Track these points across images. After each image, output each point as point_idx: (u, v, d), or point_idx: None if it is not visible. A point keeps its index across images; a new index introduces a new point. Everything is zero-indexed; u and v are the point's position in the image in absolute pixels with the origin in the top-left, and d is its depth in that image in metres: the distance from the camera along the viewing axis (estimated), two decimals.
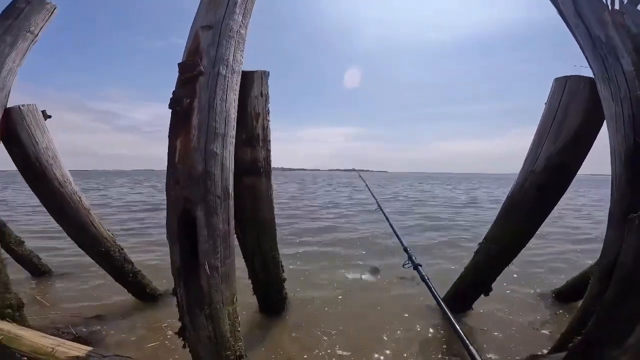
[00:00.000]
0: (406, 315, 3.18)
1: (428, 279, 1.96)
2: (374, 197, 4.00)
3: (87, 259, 3.27)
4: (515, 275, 4.15)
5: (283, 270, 2.93)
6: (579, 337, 1.54)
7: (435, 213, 10.98)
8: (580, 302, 2.22)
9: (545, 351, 2.43)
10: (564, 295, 3.48)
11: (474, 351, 1.34)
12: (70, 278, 4.10)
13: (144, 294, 3.40)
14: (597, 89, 1.95)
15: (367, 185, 4.28)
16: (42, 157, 2.69)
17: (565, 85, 2.20)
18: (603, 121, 2.02)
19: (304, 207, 12.49)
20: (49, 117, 2.79)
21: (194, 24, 1.80)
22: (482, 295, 3.03)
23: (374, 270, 4.48)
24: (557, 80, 2.27)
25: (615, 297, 1.35)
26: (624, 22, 1.48)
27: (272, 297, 3.06)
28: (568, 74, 2.23)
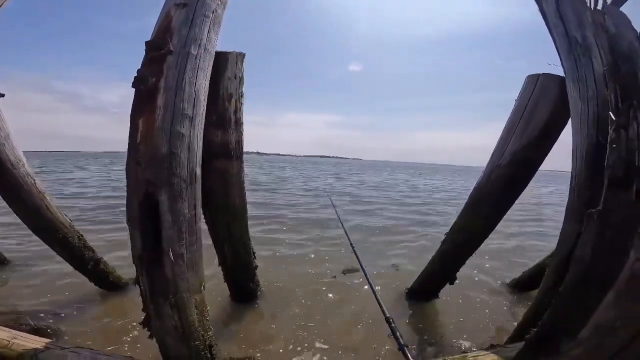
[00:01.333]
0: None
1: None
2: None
3: (44, 247, 3.06)
4: (474, 266, 4.34)
5: (255, 257, 2.88)
6: (534, 329, 1.63)
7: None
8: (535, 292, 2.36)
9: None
10: (521, 285, 3.68)
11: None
12: (28, 267, 3.82)
13: (106, 282, 3.23)
14: (566, 88, 2.01)
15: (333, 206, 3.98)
16: None
17: (536, 83, 2.27)
18: (568, 120, 2.08)
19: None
20: (2, 95, 2.52)
21: (167, 2, 1.66)
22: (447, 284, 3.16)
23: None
24: (529, 77, 2.34)
25: (570, 291, 1.40)
26: (604, 22, 1.52)
27: (244, 285, 3.00)
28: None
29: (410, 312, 3.09)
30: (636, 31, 1.38)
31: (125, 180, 1.47)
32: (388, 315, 1.44)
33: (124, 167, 1.44)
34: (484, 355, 2.11)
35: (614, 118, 1.19)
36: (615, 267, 1.17)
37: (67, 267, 3.15)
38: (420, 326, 2.83)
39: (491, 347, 2.24)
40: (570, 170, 1.97)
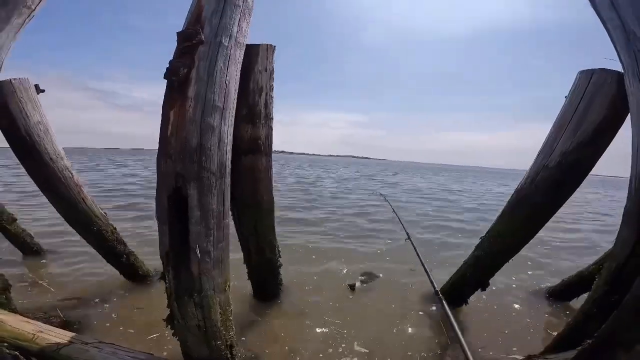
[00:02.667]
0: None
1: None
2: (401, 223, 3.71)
3: (78, 240, 3.14)
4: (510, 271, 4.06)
5: (280, 255, 2.80)
6: (590, 340, 1.45)
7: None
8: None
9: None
10: (559, 294, 3.40)
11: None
12: (61, 258, 3.95)
13: (136, 275, 3.27)
14: (624, 84, 1.82)
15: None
16: (33, 131, 2.53)
17: (590, 78, 2.06)
18: (625, 118, 1.91)
19: None
20: (42, 91, 2.61)
21: None
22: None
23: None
24: (582, 72, 2.13)
25: (635, 301, 1.25)
26: None
27: (267, 283, 2.93)
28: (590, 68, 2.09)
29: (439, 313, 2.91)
30: None
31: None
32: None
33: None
34: None
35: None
36: None
37: (100, 260, 3.22)
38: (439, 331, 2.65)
39: (528, 358, 2.05)
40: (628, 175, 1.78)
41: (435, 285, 1.85)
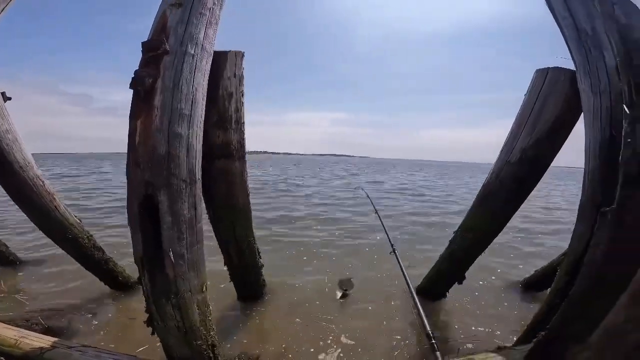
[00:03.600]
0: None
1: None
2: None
3: (56, 248, 3.13)
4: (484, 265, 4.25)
5: (260, 256, 2.88)
6: (543, 332, 1.57)
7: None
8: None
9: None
10: (533, 286, 3.58)
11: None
12: (39, 267, 3.91)
13: (116, 282, 3.29)
14: (577, 81, 1.94)
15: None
16: (2, 140, 2.51)
17: (546, 77, 2.20)
18: (580, 114, 2.01)
19: None
20: (9, 98, 2.58)
21: (163, 1, 1.66)
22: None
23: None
24: (538, 71, 2.27)
25: (581, 293, 1.36)
26: (614, 12, 1.45)
27: (249, 284, 3.01)
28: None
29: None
30: None
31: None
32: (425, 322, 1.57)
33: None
34: (492, 357, 2.06)
35: (627, 111, 1.12)
36: (630, 269, 1.11)
37: (78, 268, 3.22)
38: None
39: (498, 350, 2.19)
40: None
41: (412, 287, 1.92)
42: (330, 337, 2.51)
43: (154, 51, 1.48)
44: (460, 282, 3.11)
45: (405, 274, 2.11)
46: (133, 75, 1.48)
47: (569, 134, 2.20)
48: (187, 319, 1.54)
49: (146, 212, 1.39)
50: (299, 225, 6.52)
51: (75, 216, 3.10)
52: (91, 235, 3.15)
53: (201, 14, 1.64)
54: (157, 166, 1.37)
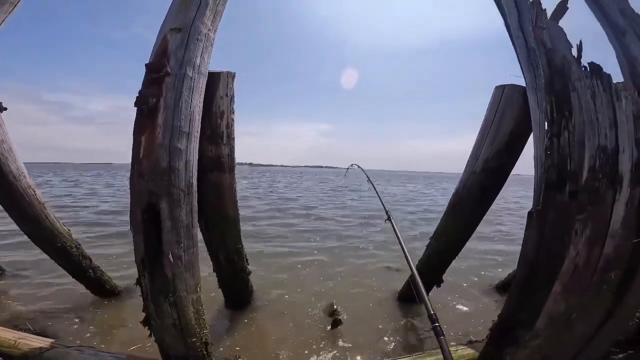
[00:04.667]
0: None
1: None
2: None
3: (41, 257, 3.23)
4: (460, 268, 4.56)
5: (248, 263, 3.07)
6: (495, 321, 1.79)
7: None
8: None
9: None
10: (507, 287, 3.89)
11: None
12: (25, 276, 3.97)
13: (103, 290, 3.41)
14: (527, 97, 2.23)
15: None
16: None
17: (503, 93, 2.51)
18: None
19: None
20: (5, 109, 2.72)
21: (164, 25, 1.88)
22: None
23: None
24: (496, 87, 2.57)
25: (520, 285, 1.58)
26: (542, 36, 1.67)
27: (238, 291, 3.18)
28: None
29: (400, 313, 3.30)
30: (570, 44, 1.53)
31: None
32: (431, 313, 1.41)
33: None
34: (463, 349, 2.33)
35: (546, 128, 1.41)
36: (557, 261, 1.38)
37: (64, 276, 3.32)
38: (411, 326, 3.05)
39: (469, 343, 2.46)
40: None
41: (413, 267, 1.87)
42: (323, 342, 2.69)
43: (157, 73, 1.71)
44: (438, 286, 3.36)
45: (402, 242, 2.02)
46: (137, 95, 1.70)
47: (524, 146, 2.52)
48: (183, 316, 1.73)
49: (148, 217, 1.60)
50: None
51: (64, 225, 3.22)
52: (79, 245, 3.28)
53: (198, 39, 1.88)
54: (160, 177, 1.59)
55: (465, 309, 3.47)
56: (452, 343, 2.64)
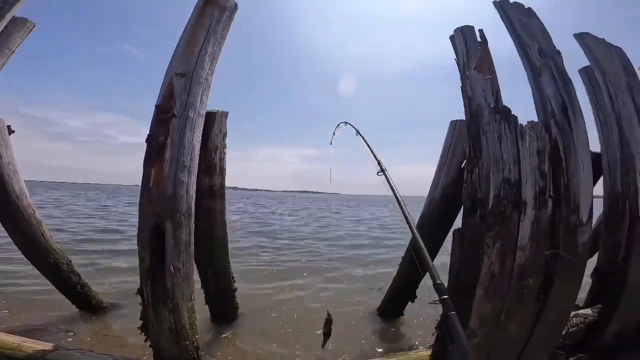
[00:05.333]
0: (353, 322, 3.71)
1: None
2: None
3: (22, 271, 3.37)
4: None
5: (234, 281, 3.38)
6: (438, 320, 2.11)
7: None
8: None
9: None
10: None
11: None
12: (12, 291, 4.10)
13: (89, 305, 3.61)
14: None
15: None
16: (4, 171, 2.92)
17: (455, 127, 3.01)
18: None
19: None
20: (13, 132, 3.02)
21: (170, 70, 2.26)
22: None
23: None
24: (451, 122, 3.06)
25: (451, 289, 1.81)
26: (466, 85, 1.90)
27: (224, 306, 3.44)
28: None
29: (379, 327, 3.63)
30: (486, 93, 1.83)
31: None
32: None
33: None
34: (423, 351, 2.63)
35: (462, 165, 1.82)
36: (475, 269, 1.76)
37: (47, 292, 3.48)
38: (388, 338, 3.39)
39: (432, 346, 2.79)
40: None
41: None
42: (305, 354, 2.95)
43: (166, 114, 2.10)
44: (412, 301, 3.67)
45: (398, 196, 2.00)
46: (149, 132, 2.08)
47: None
48: (179, 321, 2.05)
49: (155, 236, 1.95)
50: None
51: (57, 242, 3.46)
52: (70, 261, 3.50)
53: (199, 83, 2.27)
54: (166, 203, 1.95)
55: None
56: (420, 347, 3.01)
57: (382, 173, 2.20)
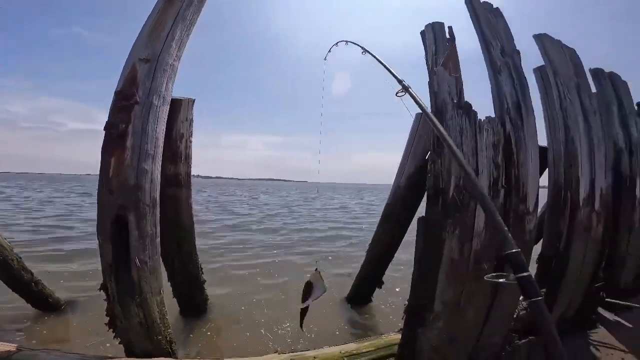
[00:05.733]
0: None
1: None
2: None
3: None
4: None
5: (202, 272, 3.35)
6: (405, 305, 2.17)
7: None
8: None
9: None
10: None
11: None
12: None
13: (46, 304, 3.43)
14: None
15: None
16: None
17: (420, 119, 3.16)
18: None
19: None
20: None
21: (132, 54, 2.15)
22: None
23: None
24: (417, 114, 3.20)
25: (416, 275, 2.02)
26: (433, 82, 1.98)
27: (194, 297, 3.42)
28: None
29: (349, 315, 3.75)
30: (450, 89, 1.93)
31: None
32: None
33: None
34: (394, 335, 2.72)
35: (427, 157, 1.94)
36: (437, 255, 1.90)
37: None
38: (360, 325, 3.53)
39: (400, 330, 2.94)
40: None
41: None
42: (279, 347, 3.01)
43: (127, 101, 2.01)
44: (379, 287, 3.86)
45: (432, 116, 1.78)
46: (108, 120, 1.99)
47: None
48: (149, 316, 2.01)
49: (117, 228, 1.89)
50: None
51: (5, 238, 3.24)
52: (20, 258, 3.30)
53: (164, 69, 2.19)
54: (128, 194, 1.89)
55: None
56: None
57: (403, 92, 1.87)
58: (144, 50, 2.15)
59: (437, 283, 1.88)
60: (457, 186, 1.83)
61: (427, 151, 3.09)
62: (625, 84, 3.45)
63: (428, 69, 2.21)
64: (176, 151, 2.66)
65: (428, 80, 2.08)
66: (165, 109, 2.22)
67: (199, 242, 3.38)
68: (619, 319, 2.81)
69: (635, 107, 3.61)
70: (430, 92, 2.04)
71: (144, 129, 2.02)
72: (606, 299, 2.92)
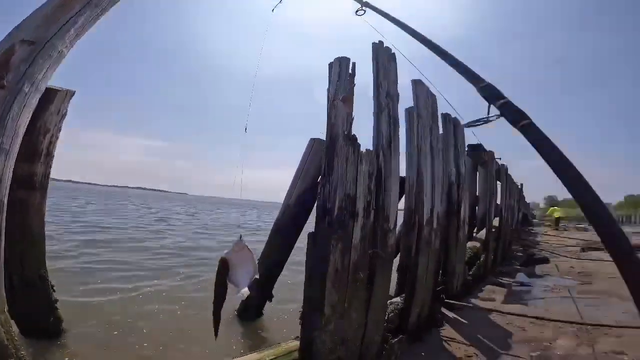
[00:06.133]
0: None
1: None
2: None
3: None
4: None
5: (54, 290, 2.82)
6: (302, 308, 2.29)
7: None
8: None
9: None
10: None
11: None
12: None
13: None
14: None
15: None
16: None
17: (313, 145, 3.51)
18: None
19: None
20: None
21: (14, 34, 1.81)
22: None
23: None
24: (310, 140, 3.55)
25: (307, 283, 2.22)
26: (331, 113, 2.27)
27: (44, 319, 2.80)
28: None
29: (242, 329, 3.64)
30: (343, 121, 2.21)
31: None
32: None
33: None
34: (291, 342, 2.73)
35: (318, 180, 2.19)
36: (324, 265, 2.14)
37: None
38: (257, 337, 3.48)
39: (298, 337, 2.99)
40: None
41: None
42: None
43: None
44: (270, 300, 3.83)
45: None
46: None
47: None
48: None
49: None
50: None
51: None
52: None
53: (49, 55, 1.89)
54: None
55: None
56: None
57: (363, 11, 1.74)
58: (32, 32, 1.84)
59: (325, 290, 2.08)
60: (340, 207, 2.16)
61: (315, 175, 3.45)
62: (462, 128, 4.31)
63: (328, 101, 2.36)
64: (36, 148, 2.22)
65: (327, 110, 2.33)
66: (36, 99, 1.91)
67: None
68: (457, 316, 3.52)
69: (466, 149, 4.81)
70: (327, 122, 2.31)
71: (3, 120, 1.69)
72: (445, 300, 3.70)
